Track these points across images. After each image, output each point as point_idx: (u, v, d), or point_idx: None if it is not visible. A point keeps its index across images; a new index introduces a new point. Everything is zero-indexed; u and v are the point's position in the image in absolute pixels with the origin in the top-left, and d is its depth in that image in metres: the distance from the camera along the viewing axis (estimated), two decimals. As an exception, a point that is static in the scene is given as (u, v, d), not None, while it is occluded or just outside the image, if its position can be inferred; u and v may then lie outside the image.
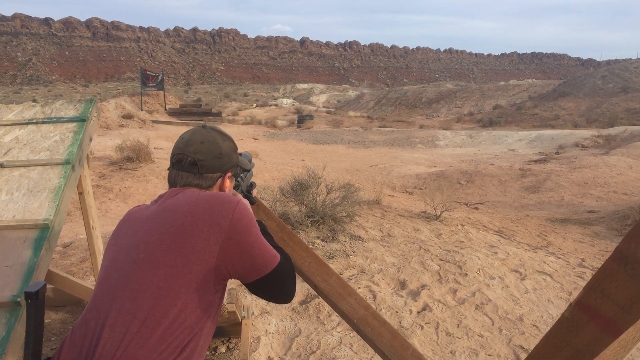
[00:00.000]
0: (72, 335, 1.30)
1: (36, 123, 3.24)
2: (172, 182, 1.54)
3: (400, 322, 3.58)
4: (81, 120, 3.28)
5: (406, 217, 6.26)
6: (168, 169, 1.58)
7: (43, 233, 2.67)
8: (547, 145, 19.36)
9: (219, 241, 1.34)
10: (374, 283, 4.15)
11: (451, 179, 11.67)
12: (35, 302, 1.31)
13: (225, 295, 2.89)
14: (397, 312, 3.74)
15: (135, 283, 1.31)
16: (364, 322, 1.90)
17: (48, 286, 2.96)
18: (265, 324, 3.51)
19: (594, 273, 4.49)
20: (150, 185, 10.08)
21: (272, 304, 3.82)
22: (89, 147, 3.31)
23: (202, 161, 1.52)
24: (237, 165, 1.66)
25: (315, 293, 3.96)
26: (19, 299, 2.35)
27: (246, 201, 1.50)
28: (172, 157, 1.56)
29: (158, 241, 1.35)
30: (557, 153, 16.68)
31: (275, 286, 1.43)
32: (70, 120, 3.29)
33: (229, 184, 1.59)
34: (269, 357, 3.19)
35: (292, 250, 2.06)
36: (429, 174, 12.60)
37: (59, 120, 3.27)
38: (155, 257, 1.33)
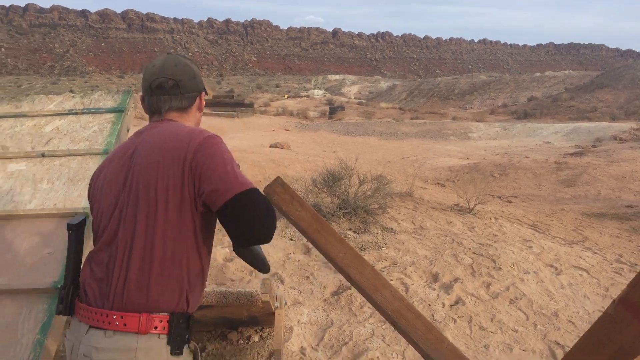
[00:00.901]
0: (90, 266, 1.50)
1: (76, 114, 3.31)
2: (155, 109, 1.62)
3: (433, 315, 3.57)
4: (119, 111, 3.34)
5: (439, 210, 6.21)
6: (141, 98, 1.68)
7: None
8: (583, 138, 18.94)
9: (187, 164, 1.42)
10: (406, 275, 4.14)
11: (484, 172, 11.52)
12: (75, 232, 1.56)
13: (259, 284, 2.92)
14: (429, 305, 3.73)
15: (127, 223, 1.43)
16: (398, 315, 1.90)
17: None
18: (297, 315, 3.53)
19: (631, 269, 4.38)
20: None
21: (304, 295, 3.84)
22: (126, 138, 3.36)
23: (182, 81, 1.61)
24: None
25: (348, 284, 3.97)
26: (60, 286, 2.41)
27: (220, 137, 1.55)
28: (149, 84, 1.62)
29: (136, 181, 1.45)
30: (594, 146, 16.31)
31: (244, 214, 1.44)
32: (109, 111, 3.34)
33: (203, 102, 1.73)
34: (301, 347, 3.22)
35: (327, 241, 2.06)
36: (462, 166, 12.47)
37: (97, 111, 3.33)
38: (137, 196, 1.43)
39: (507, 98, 49.34)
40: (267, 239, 1.53)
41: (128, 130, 3.37)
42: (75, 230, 1.60)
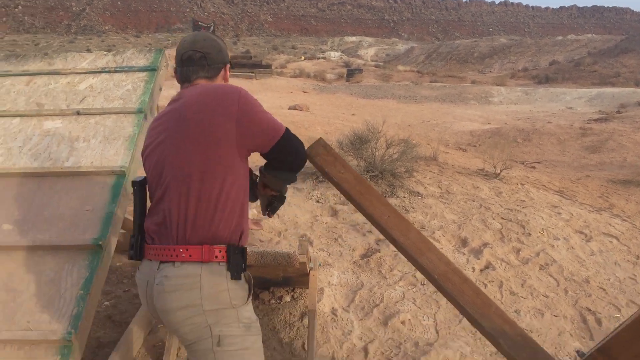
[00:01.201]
0: (153, 213, 1.73)
1: (109, 72, 3.28)
2: (185, 78, 1.85)
3: (463, 279, 3.56)
4: (151, 69, 3.30)
5: (464, 175, 6.16)
6: (174, 69, 1.91)
7: (120, 179, 2.73)
8: (607, 104, 18.58)
9: (234, 123, 1.66)
10: (435, 240, 4.13)
11: (507, 137, 11.38)
12: (139, 188, 1.79)
13: (297, 245, 2.92)
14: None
15: (181, 171, 1.66)
16: (445, 278, 1.89)
17: (120, 231, 3.05)
18: (327, 276, 3.55)
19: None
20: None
21: (333, 257, 3.86)
22: (159, 97, 3.34)
23: (209, 54, 1.85)
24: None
25: (376, 247, 3.97)
26: (100, 242, 2.43)
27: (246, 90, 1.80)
28: (181, 56, 1.86)
29: (186, 133, 1.67)
30: (618, 112, 16.00)
31: (288, 151, 1.79)
32: (141, 69, 3.31)
33: (228, 73, 1.95)
34: (332, 308, 3.24)
35: (370, 203, 2.04)
36: (484, 131, 12.32)
37: (130, 69, 3.30)
38: (190, 146, 1.65)
39: (528, 62, 48.39)
40: (303, 165, 1.89)
41: (160, 90, 3.34)
42: (139, 187, 1.80)
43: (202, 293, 1.60)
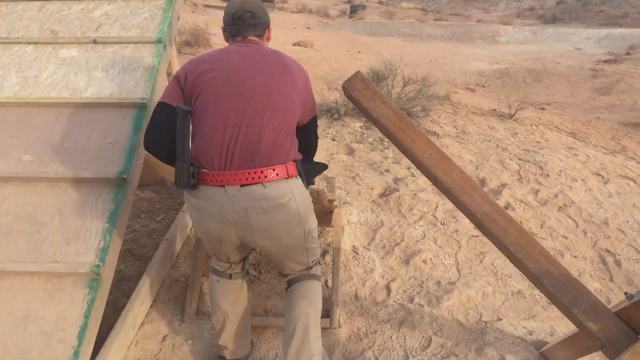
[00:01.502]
0: (222, 142, 1.86)
1: (124, -2, 3.13)
2: (237, 34, 2.09)
3: (483, 220, 3.53)
4: (169, -3, 3.15)
5: (479, 115, 6.05)
6: (223, 28, 2.15)
7: (141, 112, 2.65)
8: (617, 45, 18.19)
9: (304, 86, 2.04)
10: (453, 179, 4.07)
11: (516, 78, 11.17)
12: (186, 117, 1.88)
13: (325, 183, 2.87)
14: (478, 209, 3.69)
15: (267, 103, 1.89)
16: (488, 218, 1.84)
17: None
18: (347, 214, 3.52)
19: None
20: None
21: (352, 196, 3.81)
22: (177, 26, 3.20)
23: (257, 14, 2.09)
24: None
25: (395, 186, 3.93)
26: (124, 176, 2.37)
27: None
28: (232, 15, 2.09)
29: (271, 73, 1.95)
30: (627, 54, 15.66)
31: (315, 127, 2.23)
32: (158, -4, 3.16)
33: (271, 34, 2.20)
34: (353, 246, 3.22)
35: (412, 140, 1.97)
36: (492, 71, 12.08)
37: (147, -4, 3.14)
38: (277, 84, 1.93)
39: (534, 1, 47.13)
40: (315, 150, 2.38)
41: (178, 19, 3.20)
42: (186, 115, 1.89)
43: (297, 205, 1.92)
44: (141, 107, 2.65)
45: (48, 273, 2.13)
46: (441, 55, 15.37)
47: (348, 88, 2.08)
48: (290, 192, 1.88)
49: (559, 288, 1.70)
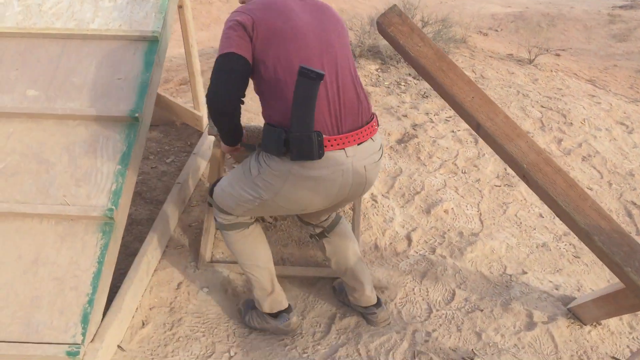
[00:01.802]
0: (328, 105, 1.72)
1: None
2: None
3: (505, 169, 3.40)
4: None
5: (497, 59, 5.81)
6: None
7: (152, 46, 2.47)
8: (633, -9, 17.58)
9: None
10: (474, 126, 3.92)
11: (530, 22, 10.79)
12: (316, 80, 1.55)
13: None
14: (500, 157, 3.54)
15: (347, 62, 1.83)
16: (535, 168, 1.70)
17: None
18: (364, 160, 3.37)
19: None
20: (214, 7, 9.66)
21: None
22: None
23: None
24: None
25: (413, 132, 3.77)
26: (137, 115, 2.22)
27: None
28: None
29: (343, 34, 1.88)
30: (644, 0, 15.16)
31: None
32: None
33: None
34: (371, 193, 3.10)
35: (452, 82, 1.81)
36: (506, 14, 11.67)
37: None
38: (346, 45, 1.88)
39: (548, -57, 45.46)
40: None
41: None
42: (319, 79, 1.57)
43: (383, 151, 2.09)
44: (152, 40, 2.47)
45: (58, 215, 2.01)
46: (452, -3, 14.84)
47: (383, 23, 1.90)
48: (380, 143, 1.89)
49: (611, 245, 1.58)
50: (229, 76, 1.67)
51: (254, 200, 1.86)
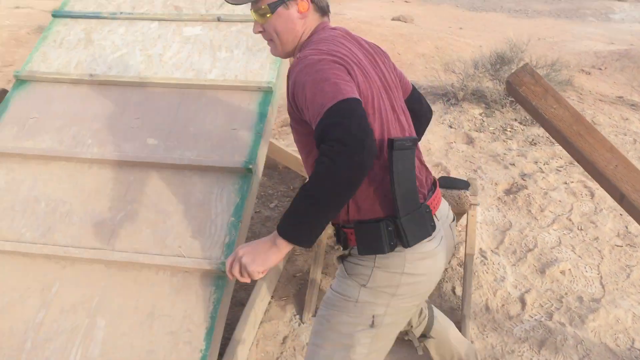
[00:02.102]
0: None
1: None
2: (327, 9, 1.63)
3: (627, 227, 3.14)
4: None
5: (607, 103, 5.50)
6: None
7: (267, 97, 2.48)
8: None
9: None
10: (588, 178, 3.68)
11: (637, 61, 10.23)
12: (412, 149, 1.44)
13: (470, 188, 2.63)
14: (620, 214, 3.29)
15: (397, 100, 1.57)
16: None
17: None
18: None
19: None
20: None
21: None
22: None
23: None
24: None
25: (523, 183, 3.59)
26: (250, 166, 2.22)
27: None
28: None
29: (391, 69, 1.67)
30: None
31: None
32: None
33: None
34: (480, 249, 2.95)
35: (592, 148, 1.67)
36: (610, 52, 11.12)
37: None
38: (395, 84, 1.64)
39: (652, -25, 43.41)
40: None
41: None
42: (414, 146, 1.48)
43: None
44: (267, 91, 2.49)
45: (174, 267, 2.03)
46: (550, 34, 14.35)
47: (514, 83, 1.80)
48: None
49: None
50: (366, 124, 1.25)
51: (365, 329, 1.45)
